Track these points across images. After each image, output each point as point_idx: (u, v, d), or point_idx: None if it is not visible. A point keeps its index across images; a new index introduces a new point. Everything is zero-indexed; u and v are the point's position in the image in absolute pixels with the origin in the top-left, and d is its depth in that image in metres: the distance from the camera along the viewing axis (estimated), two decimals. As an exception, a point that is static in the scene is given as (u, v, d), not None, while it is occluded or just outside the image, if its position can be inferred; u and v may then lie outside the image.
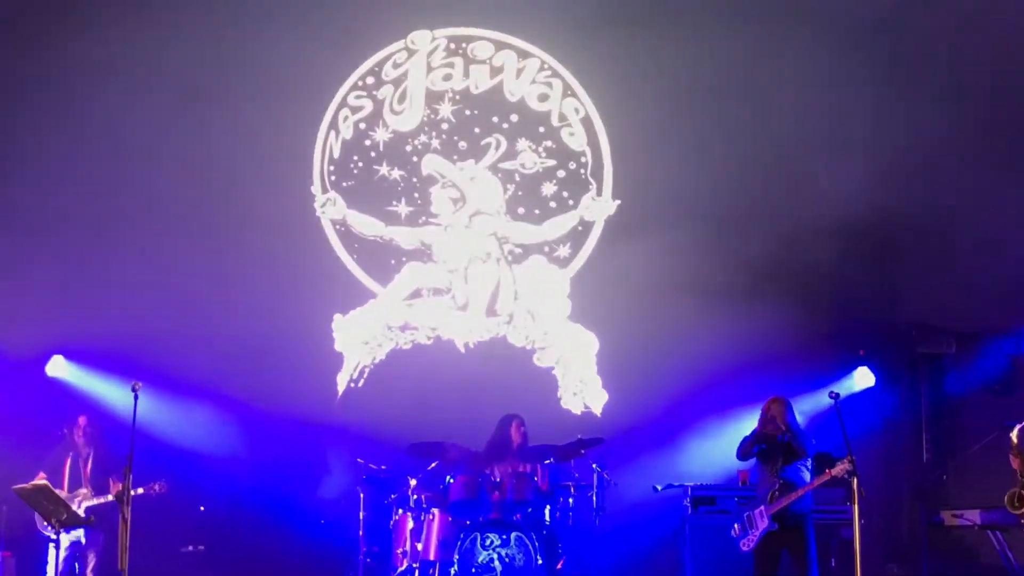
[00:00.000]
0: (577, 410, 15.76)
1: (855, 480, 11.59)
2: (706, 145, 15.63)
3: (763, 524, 12.38)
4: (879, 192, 15.18)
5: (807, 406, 13.97)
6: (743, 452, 12.77)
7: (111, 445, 13.81)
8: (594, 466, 14.11)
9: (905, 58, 15.35)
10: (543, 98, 16.01)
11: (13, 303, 14.79)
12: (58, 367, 15.03)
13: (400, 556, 13.89)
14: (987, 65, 15.13)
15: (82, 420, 13.97)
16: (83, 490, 13.49)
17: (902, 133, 15.13)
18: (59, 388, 15.05)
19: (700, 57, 15.56)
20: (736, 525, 12.65)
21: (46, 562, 13.28)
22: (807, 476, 12.43)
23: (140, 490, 13.10)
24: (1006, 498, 12.35)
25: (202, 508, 15.17)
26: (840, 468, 11.82)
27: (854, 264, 15.33)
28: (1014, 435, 12.37)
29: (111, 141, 15.19)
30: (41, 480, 13.06)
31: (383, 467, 14.37)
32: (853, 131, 15.49)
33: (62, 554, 13.18)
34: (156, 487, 13.15)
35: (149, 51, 15.18)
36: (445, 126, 15.93)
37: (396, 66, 15.97)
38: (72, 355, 15.12)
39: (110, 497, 13.37)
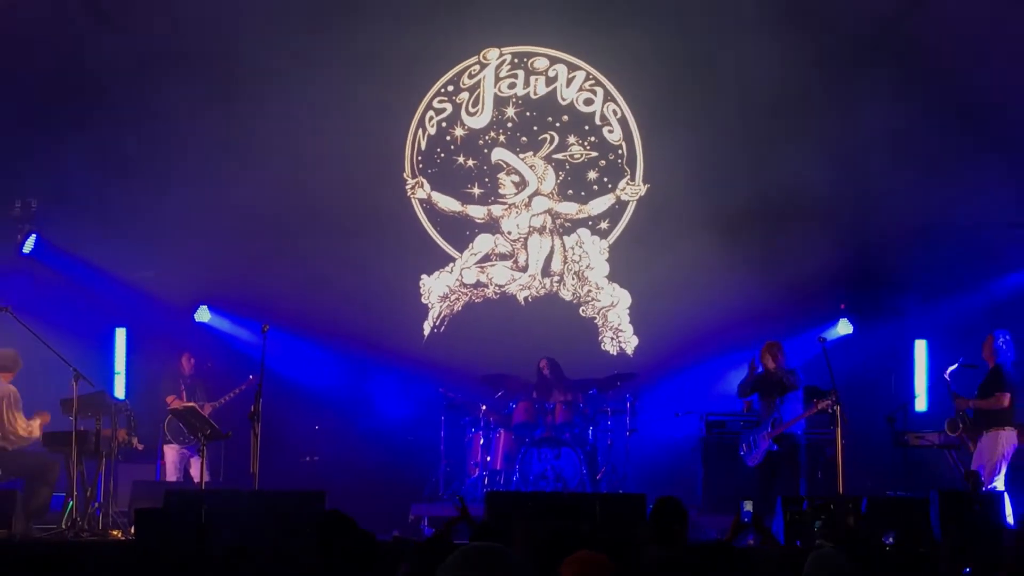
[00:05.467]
0: (614, 352, 16.29)
1: (838, 408, 12.33)
2: (721, 141, 15.88)
3: (765, 445, 13.10)
4: (847, 171, 15.38)
5: (799, 349, 14.24)
6: (741, 392, 13.55)
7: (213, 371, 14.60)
8: (627, 396, 14.83)
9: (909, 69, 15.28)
10: (588, 102, 16.37)
11: (170, 263, 15.53)
12: (204, 314, 15.74)
13: (473, 467, 14.63)
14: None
15: (185, 358, 14.56)
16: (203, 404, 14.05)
17: (865, 125, 15.29)
18: (205, 331, 15.75)
19: (713, 67, 15.81)
20: (743, 445, 13.34)
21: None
22: (800, 406, 13.07)
23: (242, 387, 13.95)
24: (947, 424, 13.15)
25: (316, 427, 15.64)
26: (825, 403, 12.55)
27: (834, 231, 15.43)
28: (947, 376, 13.10)
29: (255, 140, 15.68)
30: (190, 403, 13.76)
31: (460, 396, 15.00)
32: (823, 121, 15.43)
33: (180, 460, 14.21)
34: (251, 379, 13.44)
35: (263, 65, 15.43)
36: (510, 124, 16.37)
37: (471, 76, 16.41)
38: (215, 304, 15.80)
39: (209, 407, 13.98)
